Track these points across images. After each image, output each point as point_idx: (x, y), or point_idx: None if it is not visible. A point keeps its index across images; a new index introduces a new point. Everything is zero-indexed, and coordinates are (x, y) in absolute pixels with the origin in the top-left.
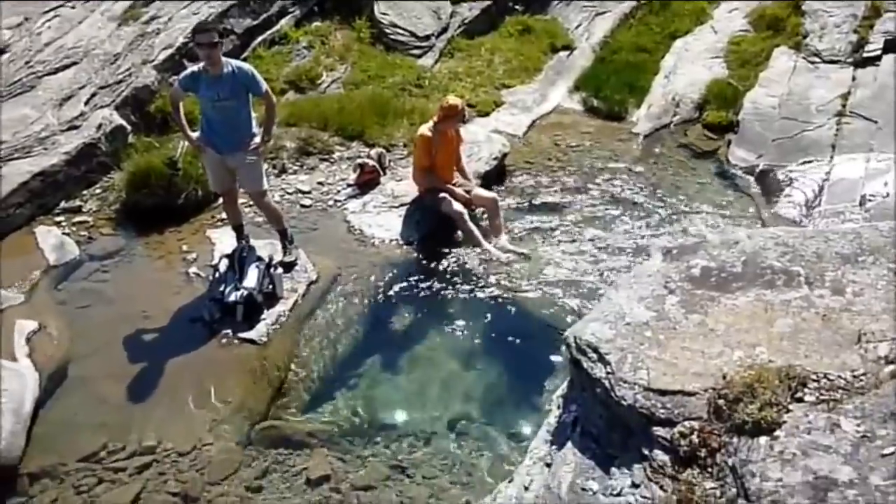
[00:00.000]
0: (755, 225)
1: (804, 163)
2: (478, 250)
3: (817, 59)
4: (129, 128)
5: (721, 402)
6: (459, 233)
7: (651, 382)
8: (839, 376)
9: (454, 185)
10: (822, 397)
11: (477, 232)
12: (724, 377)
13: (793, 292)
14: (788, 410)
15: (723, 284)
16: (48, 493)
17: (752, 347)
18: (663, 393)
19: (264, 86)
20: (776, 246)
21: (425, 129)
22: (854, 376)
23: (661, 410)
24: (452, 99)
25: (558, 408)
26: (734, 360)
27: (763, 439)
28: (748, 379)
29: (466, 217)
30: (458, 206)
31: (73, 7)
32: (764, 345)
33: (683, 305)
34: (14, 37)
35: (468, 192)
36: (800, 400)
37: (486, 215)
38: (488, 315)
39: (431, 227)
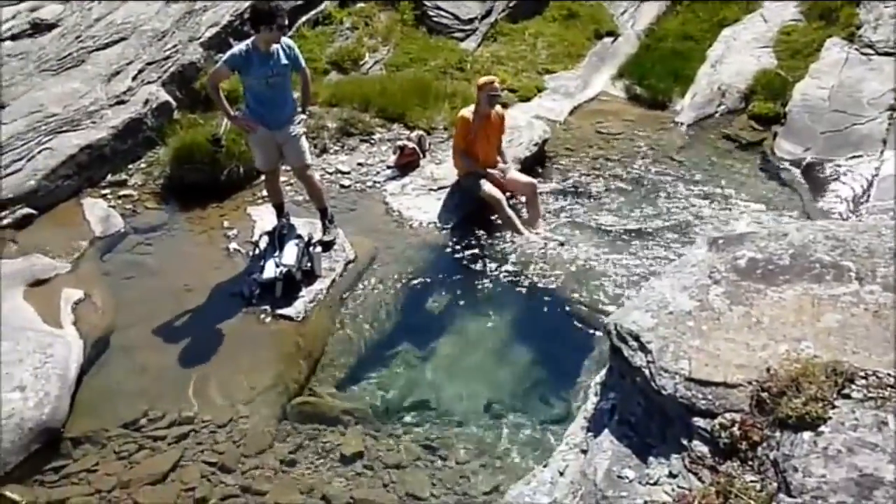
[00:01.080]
0: (800, 219)
1: (853, 157)
2: (516, 236)
3: (871, 51)
4: (174, 104)
5: (764, 395)
6: (497, 218)
7: (692, 373)
8: (888, 374)
9: (493, 169)
10: (869, 394)
11: (515, 218)
12: (769, 370)
13: (842, 287)
14: (834, 406)
15: (769, 277)
16: (90, 457)
17: (798, 341)
18: (705, 384)
19: (303, 61)
20: (826, 239)
21: (466, 112)
22: None
23: (702, 401)
24: (484, 77)
25: (596, 395)
26: (779, 354)
27: (807, 434)
28: (793, 373)
29: (504, 203)
30: (496, 191)
31: None
32: (810, 339)
33: (728, 296)
34: (66, 12)
35: (504, 174)
36: (846, 396)
37: (524, 200)
38: (524, 300)
39: (469, 210)
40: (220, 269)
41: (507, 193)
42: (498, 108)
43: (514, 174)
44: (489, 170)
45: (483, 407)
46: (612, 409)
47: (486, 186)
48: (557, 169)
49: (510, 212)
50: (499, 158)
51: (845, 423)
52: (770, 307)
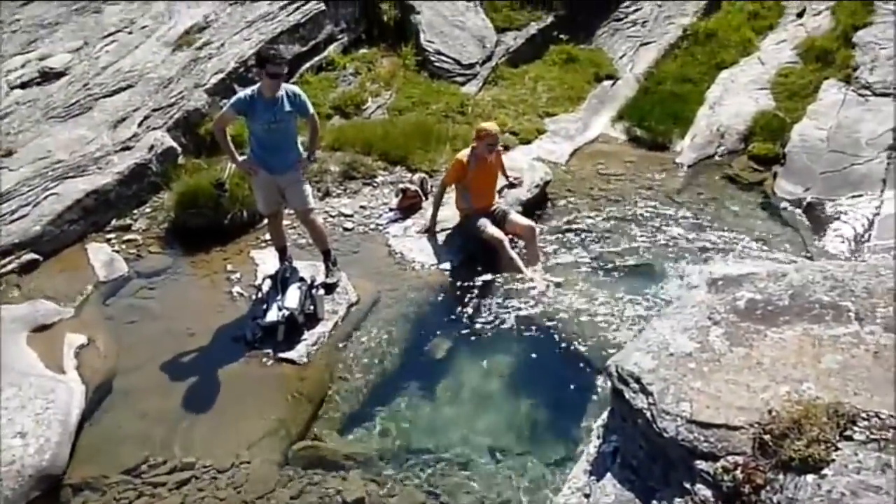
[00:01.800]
0: (801, 258)
1: (853, 197)
2: (518, 276)
3: (868, 92)
4: (179, 149)
5: (766, 437)
6: (499, 259)
7: (694, 415)
8: (890, 415)
9: (488, 210)
10: (872, 436)
11: (517, 258)
12: (770, 412)
13: (842, 328)
14: (837, 448)
15: (769, 317)
16: None
17: (800, 383)
18: (707, 426)
19: (312, 108)
20: (825, 280)
21: (462, 154)
22: None
23: (704, 444)
24: (485, 123)
25: (598, 438)
26: (780, 395)
27: (810, 477)
28: (795, 415)
29: (507, 243)
30: (498, 232)
31: (130, 33)
32: (811, 380)
33: (728, 337)
34: (74, 60)
35: (506, 214)
36: (849, 438)
37: (522, 242)
38: (526, 342)
39: (471, 252)
40: (222, 312)
41: (508, 236)
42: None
43: (515, 216)
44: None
45: (486, 451)
46: (614, 452)
47: (489, 228)
48: (559, 210)
49: (512, 252)
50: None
51: (848, 465)
52: (770, 348)
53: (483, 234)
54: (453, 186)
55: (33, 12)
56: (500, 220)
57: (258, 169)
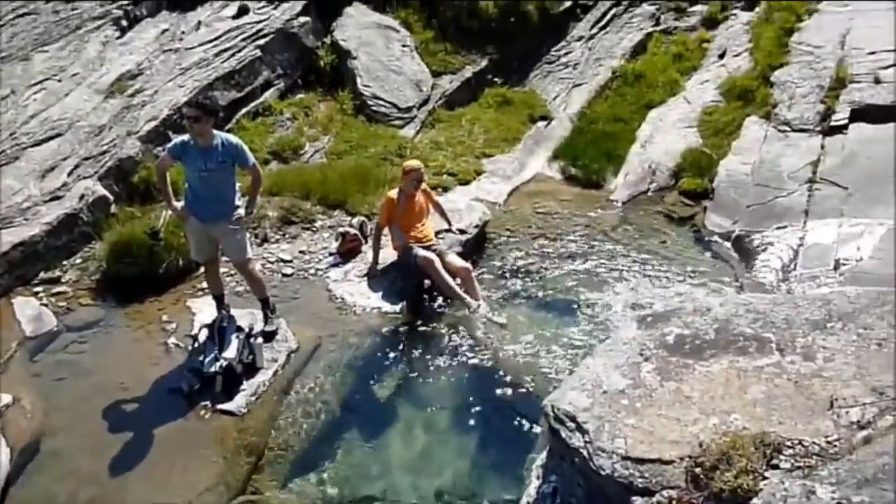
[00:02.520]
0: (733, 289)
1: (778, 228)
2: (459, 315)
3: (787, 128)
4: (111, 198)
5: (698, 470)
6: (436, 284)
7: (629, 451)
8: (813, 442)
9: (423, 244)
10: (796, 464)
11: (450, 280)
12: (701, 445)
13: (765, 359)
14: (764, 478)
15: (697, 351)
16: None
17: (727, 414)
18: (641, 462)
19: (252, 159)
20: (747, 313)
21: (392, 193)
22: (828, 442)
23: (640, 480)
24: (409, 161)
25: (538, 478)
26: (710, 428)
27: None
28: (724, 446)
29: (438, 264)
30: (427, 253)
31: (59, 80)
32: (738, 411)
33: (659, 373)
34: (0, 109)
35: (443, 255)
36: (775, 467)
37: (459, 283)
38: (469, 384)
39: (412, 294)
40: (157, 365)
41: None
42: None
43: (451, 257)
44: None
45: (433, 496)
46: (553, 491)
47: (420, 252)
48: (498, 249)
49: (444, 274)
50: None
51: (776, 494)
52: (699, 381)
53: (416, 258)
54: (388, 230)
55: None
56: (439, 256)
57: (188, 216)
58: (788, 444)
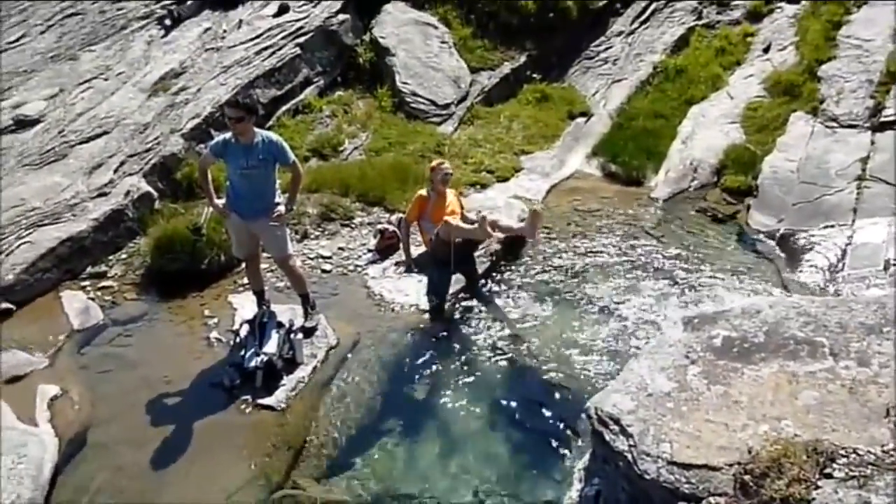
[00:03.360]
0: (777, 290)
1: (826, 227)
2: (497, 312)
3: (835, 124)
4: (155, 194)
5: (747, 477)
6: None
7: (675, 456)
8: (868, 451)
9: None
10: (851, 473)
11: (465, 224)
12: (750, 451)
13: (817, 363)
14: (817, 487)
15: (745, 355)
16: None
17: (778, 420)
18: (687, 467)
19: (292, 156)
20: (798, 316)
21: (423, 191)
22: (884, 451)
23: (686, 485)
24: (435, 160)
25: (580, 481)
26: (759, 434)
27: None
28: (774, 453)
29: (452, 220)
30: (444, 220)
31: (106, 79)
32: (789, 418)
33: (706, 376)
34: (49, 107)
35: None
36: (828, 476)
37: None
38: (506, 382)
39: (449, 290)
40: (200, 359)
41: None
42: (451, 189)
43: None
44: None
45: (470, 494)
46: (596, 495)
47: (442, 229)
48: (537, 247)
49: (463, 223)
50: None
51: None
52: (748, 386)
53: (440, 234)
54: (418, 228)
55: (8, 60)
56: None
57: (229, 212)
58: (842, 452)
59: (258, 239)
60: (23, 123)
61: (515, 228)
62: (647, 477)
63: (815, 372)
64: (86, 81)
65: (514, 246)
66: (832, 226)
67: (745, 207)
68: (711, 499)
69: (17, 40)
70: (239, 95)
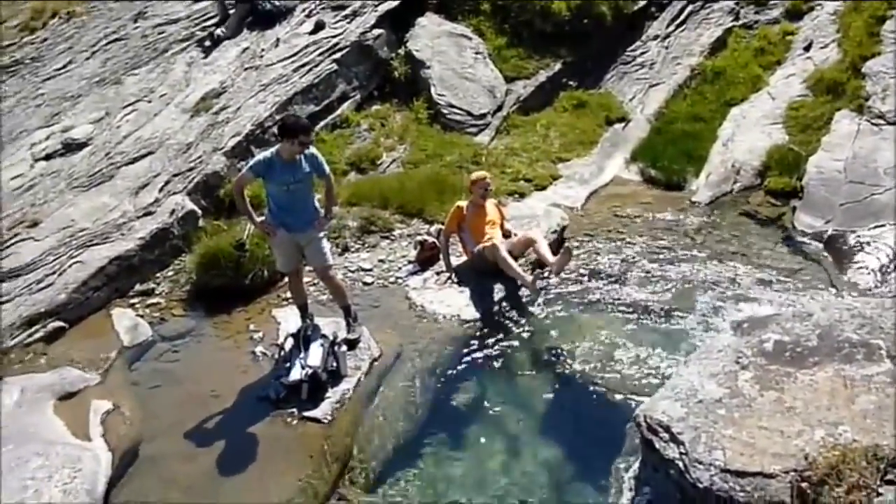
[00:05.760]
0: (827, 293)
1: (875, 227)
2: (537, 321)
3: (881, 122)
4: (199, 212)
5: (805, 485)
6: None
7: (728, 463)
8: None
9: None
10: None
11: (512, 261)
12: (807, 458)
13: (874, 366)
14: (878, 494)
15: (798, 359)
16: None
17: (835, 426)
18: (742, 475)
19: (327, 167)
20: (852, 318)
21: (461, 202)
22: None
23: (741, 493)
24: (476, 173)
25: (630, 490)
26: (816, 440)
27: None
28: (832, 460)
29: (501, 247)
30: (488, 243)
31: (149, 101)
32: (847, 423)
33: (758, 381)
34: (96, 130)
35: (509, 248)
36: (890, 482)
37: (533, 254)
38: (552, 391)
39: (491, 301)
40: (246, 373)
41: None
42: (491, 199)
43: (514, 239)
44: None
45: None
46: None
47: (486, 245)
48: (578, 254)
49: (509, 257)
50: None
51: None
52: (802, 391)
53: (484, 252)
54: (459, 239)
55: (56, 86)
56: (508, 250)
57: (276, 229)
58: None
59: (302, 252)
60: (71, 147)
61: (549, 259)
62: (701, 485)
63: (872, 375)
64: (130, 104)
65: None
66: (882, 225)
67: (790, 209)
68: None
69: (64, 66)
70: (301, 122)
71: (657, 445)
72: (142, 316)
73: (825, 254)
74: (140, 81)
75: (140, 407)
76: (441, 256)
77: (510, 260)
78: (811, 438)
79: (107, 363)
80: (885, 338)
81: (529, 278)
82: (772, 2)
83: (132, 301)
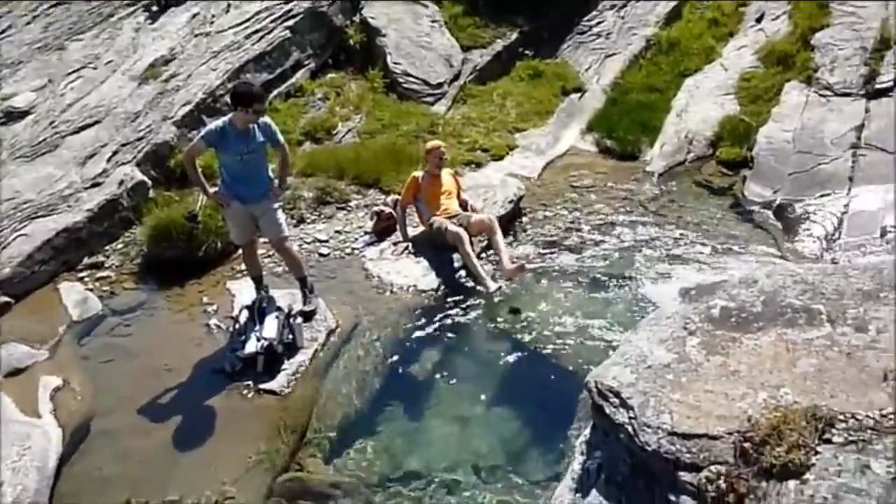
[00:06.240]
0: (775, 260)
1: (822, 196)
2: (494, 301)
3: (829, 93)
4: (149, 183)
5: (747, 445)
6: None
7: (675, 426)
8: (867, 416)
9: (448, 216)
10: (850, 438)
11: (474, 258)
12: (749, 419)
13: (815, 331)
14: (817, 452)
15: (743, 324)
16: None
17: (777, 388)
18: (688, 437)
19: (282, 137)
20: (795, 284)
21: (417, 172)
22: (882, 415)
23: (687, 455)
24: (430, 143)
25: (582, 454)
26: (758, 402)
27: (792, 483)
28: (774, 421)
29: (467, 242)
30: (458, 229)
31: (95, 68)
32: (788, 385)
33: (704, 347)
34: (39, 98)
35: (468, 219)
36: (828, 441)
37: (485, 239)
38: (508, 360)
39: (447, 271)
40: (200, 346)
41: (476, 236)
42: (447, 169)
43: (473, 217)
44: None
45: (472, 472)
46: (598, 468)
47: (450, 227)
48: (534, 224)
49: (470, 250)
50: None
51: (829, 469)
52: (746, 355)
53: (445, 233)
54: (415, 209)
55: None
56: (463, 225)
57: (230, 200)
58: (841, 418)
59: (256, 223)
60: (12, 116)
61: (504, 259)
62: (649, 448)
63: (812, 339)
64: (74, 71)
65: (509, 224)
66: (828, 194)
67: (741, 179)
68: (712, 468)
69: (3, 32)
70: (253, 89)
71: (607, 411)
72: (91, 290)
73: (774, 222)
74: (85, 48)
75: (91, 382)
76: (398, 227)
77: (473, 257)
78: (754, 401)
79: (55, 338)
80: (826, 303)
81: (491, 284)
82: None
83: (81, 275)
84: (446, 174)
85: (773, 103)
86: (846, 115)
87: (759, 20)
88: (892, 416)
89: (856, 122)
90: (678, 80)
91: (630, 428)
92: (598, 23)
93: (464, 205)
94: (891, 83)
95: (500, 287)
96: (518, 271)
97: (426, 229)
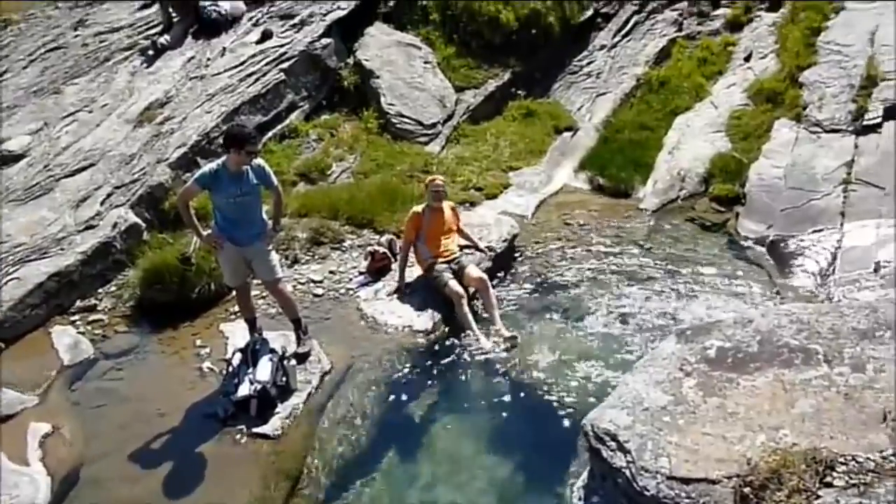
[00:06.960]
0: (770, 296)
1: (814, 231)
2: (468, 334)
3: (818, 129)
4: (143, 225)
5: (747, 490)
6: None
7: (673, 470)
8: (868, 458)
9: (446, 258)
10: (851, 481)
11: (471, 318)
12: (749, 463)
13: (812, 371)
14: (818, 497)
15: (740, 365)
16: None
17: (775, 430)
18: (687, 481)
19: (275, 179)
20: (791, 323)
21: (417, 207)
22: (883, 458)
23: (686, 500)
24: (430, 176)
25: (579, 499)
26: (757, 445)
27: None
28: (773, 464)
29: (465, 301)
30: (457, 287)
31: (90, 111)
32: (787, 427)
33: (701, 388)
34: (34, 142)
35: (463, 267)
36: (829, 485)
37: (478, 294)
38: (504, 400)
39: (442, 310)
40: (193, 389)
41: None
42: (448, 202)
43: (470, 269)
44: (445, 258)
45: None
46: None
47: (450, 282)
48: (528, 262)
49: (466, 310)
50: (463, 240)
51: None
52: (744, 396)
53: (445, 288)
54: (413, 249)
55: None
56: (458, 271)
57: (223, 242)
58: (841, 460)
59: (250, 265)
60: (6, 159)
61: (496, 320)
62: (647, 493)
63: (810, 379)
64: (70, 115)
65: (506, 263)
66: (821, 230)
67: (734, 215)
68: None
69: (0, 76)
70: (245, 130)
71: (605, 454)
72: (83, 333)
73: (767, 258)
74: (80, 91)
75: (81, 428)
76: (398, 268)
77: (470, 318)
78: (753, 443)
79: (46, 383)
80: (822, 342)
81: (486, 344)
82: (713, 13)
83: (73, 318)
84: (447, 208)
85: (763, 140)
86: (836, 151)
87: (747, 59)
88: (892, 459)
89: (846, 158)
90: (669, 119)
91: (628, 472)
92: (589, 63)
93: (463, 235)
94: (878, 119)
95: (493, 348)
96: (511, 343)
97: (425, 272)
